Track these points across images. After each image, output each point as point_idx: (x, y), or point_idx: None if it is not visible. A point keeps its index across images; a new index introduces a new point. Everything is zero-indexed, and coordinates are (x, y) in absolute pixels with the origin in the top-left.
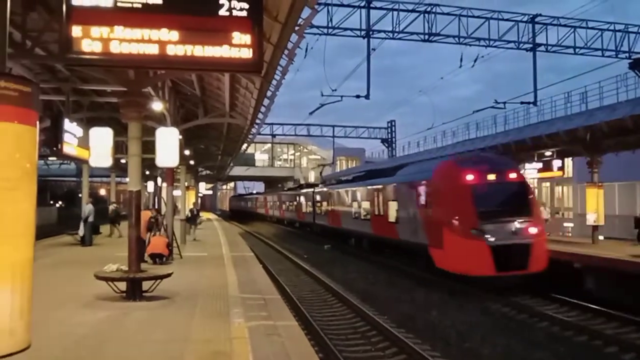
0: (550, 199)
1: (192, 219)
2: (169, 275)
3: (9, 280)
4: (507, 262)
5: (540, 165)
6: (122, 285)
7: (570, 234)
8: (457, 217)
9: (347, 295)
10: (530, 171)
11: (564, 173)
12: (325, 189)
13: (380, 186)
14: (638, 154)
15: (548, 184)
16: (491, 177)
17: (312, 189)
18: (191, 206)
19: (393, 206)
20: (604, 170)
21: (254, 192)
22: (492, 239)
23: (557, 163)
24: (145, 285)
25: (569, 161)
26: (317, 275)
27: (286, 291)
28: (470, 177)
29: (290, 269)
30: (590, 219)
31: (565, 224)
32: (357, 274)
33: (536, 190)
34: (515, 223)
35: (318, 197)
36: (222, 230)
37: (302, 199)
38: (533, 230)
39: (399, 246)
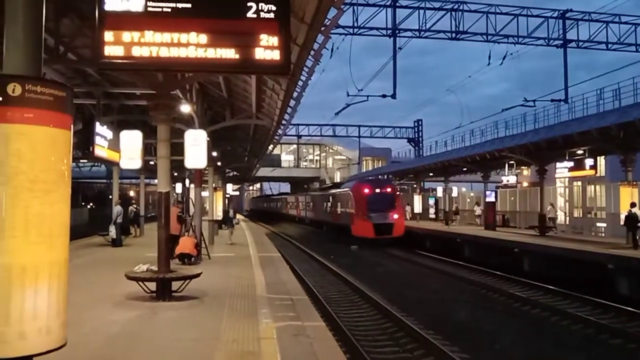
0: (582, 198)
1: (229, 221)
2: (197, 275)
3: (46, 279)
4: (381, 231)
5: (571, 164)
6: (152, 286)
7: (603, 234)
8: (359, 211)
9: (373, 296)
10: (561, 170)
11: (596, 172)
12: (307, 194)
13: (332, 193)
14: None
15: (579, 183)
16: (376, 190)
17: (298, 194)
18: (229, 209)
19: (337, 205)
20: (638, 169)
21: (264, 195)
22: (374, 220)
23: (589, 162)
24: (175, 285)
25: (601, 160)
26: (343, 275)
27: (313, 292)
28: (366, 190)
29: (316, 270)
30: (624, 218)
31: (598, 224)
32: (386, 275)
33: (567, 190)
34: (385, 213)
35: (303, 199)
36: (249, 230)
37: (293, 200)
38: (395, 216)
39: (340, 227)
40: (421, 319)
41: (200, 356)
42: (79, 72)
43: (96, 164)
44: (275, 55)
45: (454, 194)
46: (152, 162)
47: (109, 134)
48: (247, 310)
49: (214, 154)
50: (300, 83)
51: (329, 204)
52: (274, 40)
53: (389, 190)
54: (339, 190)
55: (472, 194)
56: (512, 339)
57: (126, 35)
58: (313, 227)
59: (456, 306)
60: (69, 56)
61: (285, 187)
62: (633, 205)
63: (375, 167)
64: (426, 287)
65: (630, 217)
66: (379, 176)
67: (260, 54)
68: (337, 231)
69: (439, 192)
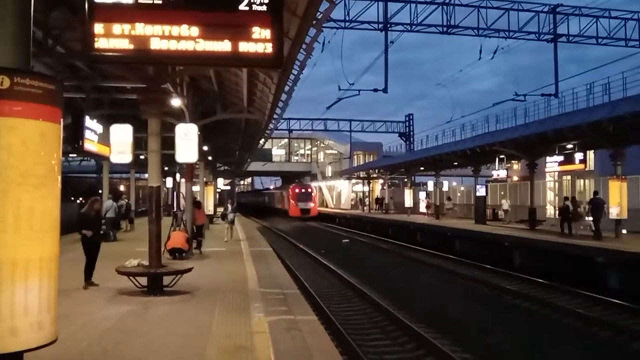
0: (571, 192)
1: (230, 220)
2: (189, 270)
3: (37, 274)
4: (303, 213)
5: (561, 158)
6: (144, 280)
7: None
8: (293, 201)
9: (365, 290)
10: (551, 164)
11: (585, 166)
12: (271, 192)
13: (280, 191)
14: None
15: (569, 177)
16: (302, 190)
17: (266, 192)
18: (228, 207)
19: (284, 198)
20: (627, 163)
21: (245, 191)
22: (300, 207)
23: (578, 156)
24: (166, 280)
25: (590, 154)
26: (334, 269)
27: (305, 286)
28: (296, 190)
29: (308, 264)
30: (613, 212)
31: (587, 218)
32: (377, 269)
33: (556, 184)
34: (306, 202)
35: (269, 195)
36: (240, 225)
37: (263, 195)
38: (312, 204)
39: (284, 211)
40: (412, 312)
41: (193, 351)
42: (68, 65)
43: (85, 158)
44: (268, 48)
45: (445, 188)
46: (142, 157)
47: (99, 128)
48: (239, 305)
49: (205, 148)
50: (292, 77)
51: (279, 198)
52: (267, 33)
53: (309, 190)
54: (284, 190)
55: (462, 188)
56: (503, 331)
57: (117, 28)
58: (273, 213)
59: (447, 299)
60: (58, 49)
61: (277, 182)
62: (566, 198)
63: (367, 161)
64: (417, 280)
65: (564, 209)
66: (369, 170)
67: (252, 47)
68: (283, 214)
69: (430, 186)
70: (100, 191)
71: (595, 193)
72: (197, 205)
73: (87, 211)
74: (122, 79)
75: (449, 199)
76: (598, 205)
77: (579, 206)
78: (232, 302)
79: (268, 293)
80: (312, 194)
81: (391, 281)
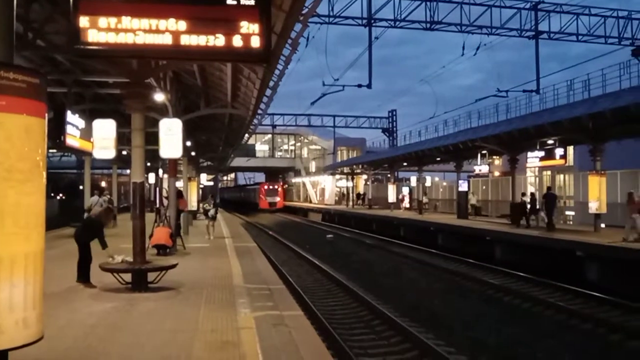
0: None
1: (211, 216)
2: (174, 266)
3: (22, 270)
4: (271, 206)
5: (542, 153)
6: (128, 277)
7: (571, 222)
8: (262, 196)
9: (349, 285)
10: (533, 159)
11: (566, 161)
12: (246, 188)
13: (253, 188)
14: None
15: (549, 172)
16: (270, 187)
17: (241, 188)
18: (208, 205)
19: (256, 193)
20: (606, 158)
21: (226, 187)
22: (269, 200)
23: (559, 151)
24: (151, 276)
25: (570, 149)
26: (319, 265)
27: (289, 281)
28: (265, 187)
29: (293, 259)
30: (593, 207)
31: (567, 212)
32: (361, 264)
33: (537, 179)
34: (273, 197)
35: (244, 191)
36: (223, 220)
37: (240, 191)
38: (278, 199)
39: (256, 204)
40: (397, 306)
41: (180, 346)
42: (48, 59)
43: (66, 154)
44: (256, 43)
45: (428, 183)
46: (124, 152)
47: (81, 123)
48: (225, 301)
49: (188, 143)
50: (277, 72)
51: (254, 194)
52: (255, 28)
53: (276, 187)
54: (257, 186)
55: (444, 184)
56: (486, 325)
57: (103, 21)
58: (250, 207)
59: (431, 293)
60: (39, 43)
61: (261, 177)
62: (523, 194)
63: (350, 157)
64: (401, 275)
65: (520, 204)
66: (353, 166)
67: (240, 41)
68: (255, 207)
69: (413, 181)
70: (80, 187)
71: (549, 188)
72: (180, 195)
73: (103, 219)
74: (104, 73)
75: (425, 194)
76: (551, 200)
77: (536, 201)
78: (218, 298)
79: (253, 289)
80: (279, 190)
81: (375, 275)
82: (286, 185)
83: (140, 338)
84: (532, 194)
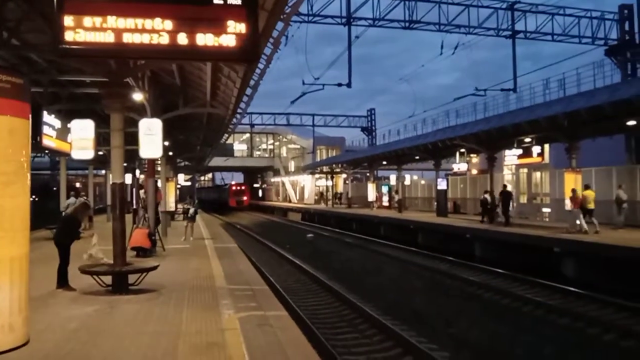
0: (528, 184)
1: (190, 216)
2: (155, 267)
3: (7, 274)
4: (238, 204)
5: (520, 151)
6: (108, 279)
7: (547, 219)
8: (231, 195)
9: (331, 284)
10: (510, 157)
11: (543, 159)
12: (219, 188)
13: (224, 188)
14: (615, 140)
15: (526, 170)
16: (238, 188)
17: (214, 188)
18: (190, 206)
19: (226, 193)
20: (581, 156)
21: (202, 187)
22: (236, 199)
23: (536, 149)
24: (131, 278)
25: (546, 147)
26: (300, 265)
27: (271, 282)
28: (234, 188)
29: (274, 259)
30: (568, 204)
31: (544, 210)
32: (343, 263)
33: (514, 177)
34: (241, 196)
35: (219, 190)
36: (202, 221)
37: (215, 191)
38: (245, 198)
39: (226, 202)
40: (378, 304)
41: (164, 349)
42: (24, 58)
43: (39, 154)
44: (243, 42)
45: (407, 182)
46: (100, 152)
47: (57, 123)
48: (208, 302)
49: (166, 143)
50: (258, 71)
51: (224, 194)
52: (242, 27)
53: (243, 187)
54: (226, 187)
55: (423, 182)
56: (467, 321)
57: (87, 21)
58: (223, 205)
59: (412, 291)
60: (13, 42)
61: (239, 177)
62: (486, 192)
63: (329, 156)
64: (382, 273)
65: (483, 201)
66: (332, 165)
67: (227, 40)
68: (226, 205)
69: (392, 180)
70: (54, 189)
71: (505, 186)
72: (155, 188)
73: (79, 215)
74: (81, 72)
75: (396, 192)
76: (506, 197)
77: (495, 198)
78: (201, 299)
79: (236, 289)
80: (245, 191)
81: (356, 274)
82: (265, 185)
83: (123, 341)
84: (492, 192)
